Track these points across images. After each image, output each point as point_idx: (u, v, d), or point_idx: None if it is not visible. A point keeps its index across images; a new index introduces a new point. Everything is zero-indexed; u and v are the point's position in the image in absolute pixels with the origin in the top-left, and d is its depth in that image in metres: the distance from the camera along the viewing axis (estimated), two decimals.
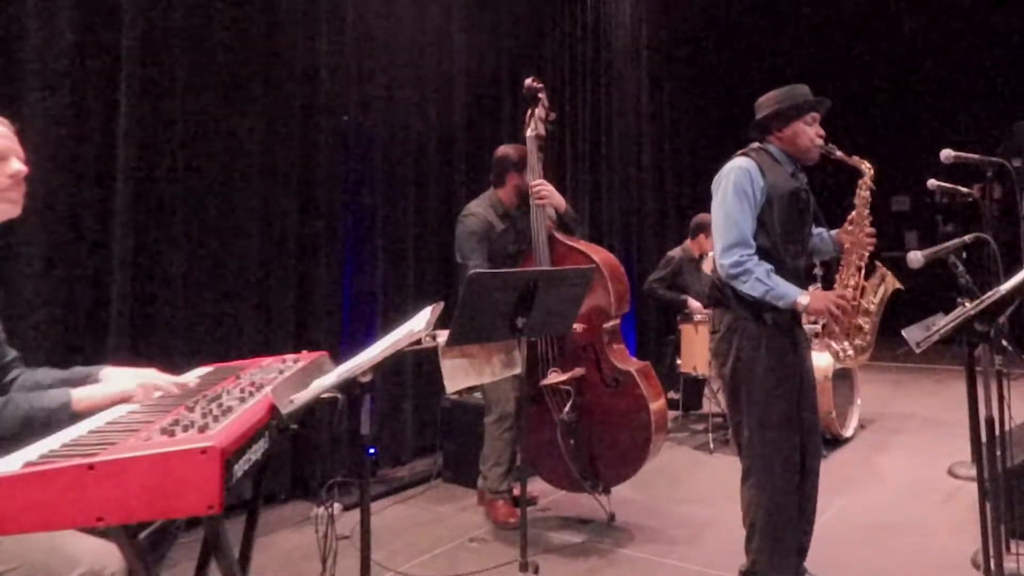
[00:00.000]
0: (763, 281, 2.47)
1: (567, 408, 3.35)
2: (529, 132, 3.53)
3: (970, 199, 3.45)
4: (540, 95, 3.56)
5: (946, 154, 3.17)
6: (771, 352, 2.55)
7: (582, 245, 3.51)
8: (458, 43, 5.05)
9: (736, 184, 2.54)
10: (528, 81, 3.61)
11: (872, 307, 2.69)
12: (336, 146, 4.24)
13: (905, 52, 9.22)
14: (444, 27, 4.95)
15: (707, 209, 2.80)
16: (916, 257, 2.64)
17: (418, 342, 1.96)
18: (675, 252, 5.43)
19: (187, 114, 3.51)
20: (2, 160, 1.74)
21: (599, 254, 3.48)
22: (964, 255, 2.75)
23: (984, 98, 8.89)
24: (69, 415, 1.63)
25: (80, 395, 1.67)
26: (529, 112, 3.56)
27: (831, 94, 2.67)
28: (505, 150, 3.67)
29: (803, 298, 2.48)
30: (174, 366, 1.97)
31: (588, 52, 6.48)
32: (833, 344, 2.70)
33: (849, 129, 9.41)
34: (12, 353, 1.85)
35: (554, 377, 3.39)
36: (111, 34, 3.21)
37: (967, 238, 2.85)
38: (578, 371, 3.39)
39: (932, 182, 3.35)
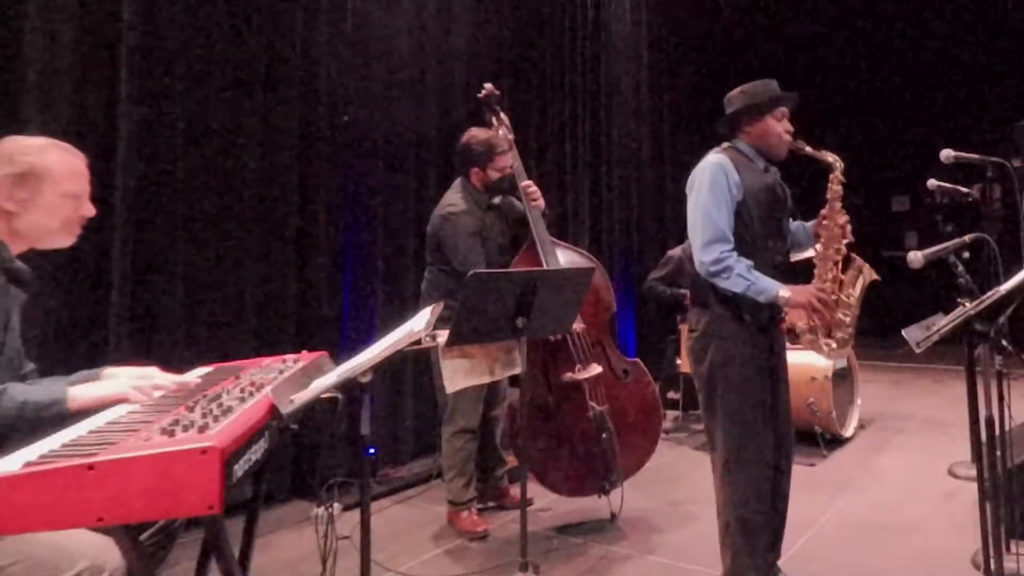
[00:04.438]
0: (744, 276, 2.45)
1: (591, 403, 3.35)
2: (508, 135, 3.55)
3: (970, 199, 3.45)
4: (498, 104, 3.62)
5: (946, 154, 3.17)
6: (745, 350, 2.54)
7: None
8: (458, 43, 5.05)
9: (712, 181, 2.52)
10: (489, 86, 3.63)
11: (852, 300, 2.69)
12: (336, 146, 4.24)
13: (905, 52, 9.21)
14: (444, 27, 4.95)
15: None
16: (916, 257, 2.64)
17: (418, 342, 1.96)
18: (675, 251, 5.43)
19: (187, 114, 3.51)
20: (81, 199, 1.82)
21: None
22: (964, 255, 2.75)
23: (984, 98, 8.89)
24: (63, 413, 1.63)
25: (76, 394, 1.68)
26: (495, 117, 3.59)
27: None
28: (471, 139, 3.50)
29: (784, 291, 2.47)
30: (174, 366, 1.97)
31: (588, 52, 6.48)
32: (815, 338, 2.69)
33: (849, 129, 9.44)
34: (29, 365, 1.86)
35: (583, 372, 3.37)
36: (111, 34, 3.20)
37: (967, 238, 2.86)
38: (597, 366, 3.42)
39: (932, 182, 3.35)
